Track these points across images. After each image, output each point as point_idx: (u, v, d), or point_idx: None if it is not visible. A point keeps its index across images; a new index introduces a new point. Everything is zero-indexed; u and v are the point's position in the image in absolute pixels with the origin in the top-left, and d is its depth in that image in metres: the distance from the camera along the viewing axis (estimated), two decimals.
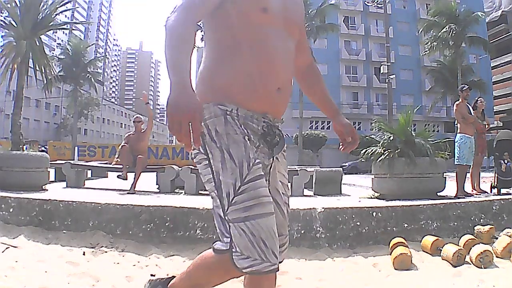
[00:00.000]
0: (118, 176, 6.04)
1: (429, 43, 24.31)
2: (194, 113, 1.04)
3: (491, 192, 5.88)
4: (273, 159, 1.28)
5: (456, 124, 6.01)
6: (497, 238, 3.51)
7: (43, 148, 19.19)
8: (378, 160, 5.13)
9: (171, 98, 1.06)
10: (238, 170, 1.14)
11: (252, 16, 1.22)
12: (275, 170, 1.31)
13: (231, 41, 1.24)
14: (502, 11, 40.47)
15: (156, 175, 6.91)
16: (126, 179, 6.02)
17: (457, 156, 5.76)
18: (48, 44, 50.77)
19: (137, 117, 7.02)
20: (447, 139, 5.81)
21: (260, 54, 1.22)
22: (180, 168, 6.50)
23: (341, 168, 6.99)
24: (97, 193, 5.51)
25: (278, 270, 1.16)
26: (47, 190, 5.48)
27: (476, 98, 6.45)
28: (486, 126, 6.36)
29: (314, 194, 6.36)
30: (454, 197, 5.21)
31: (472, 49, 25.57)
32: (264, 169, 1.23)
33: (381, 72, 24.69)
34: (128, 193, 5.82)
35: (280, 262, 1.20)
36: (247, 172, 1.14)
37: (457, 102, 5.98)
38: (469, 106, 5.98)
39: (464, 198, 5.07)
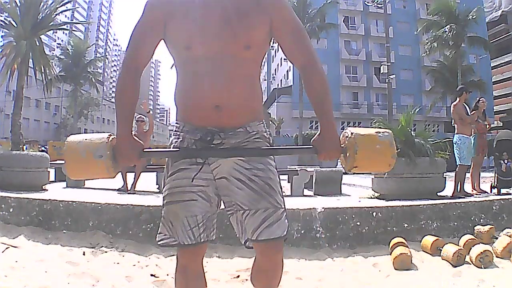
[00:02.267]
0: (118, 190, 5.89)
1: (429, 43, 24.28)
2: (130, 158, 1.40)
3: (491, 192, 5.87)
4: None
5: (453, 124, 5.97)
6: (497, 238, 3.50)
7: (43, 148, 19.17)
8: None
9: (115, 146, 1.39)
10: (166, 170, 1.48)
11: (180, 53, 1.43)
12: (226, 163, 1.41)
13: (178, 71, 1.47)
14: (502, 11, 40.47)
15: (156, 175, 6.91)
16: (127, 191, 5.93)
17: (458, 157, 5.72)
18: (48, 44, 50.72)
19: (140, 117, 6.92)
20: (447, 139, 5.79)
21: (193, 80, 1.40)
22: None
23: (341, 168, 6.98)
24: (97, 193, 5.51)
25: (179, 246, 1.39)
26: (47, 190, 5.48)
27: (478, 98, 6.40)
28: (487, 126, 6.35)
29: (314, 194, 6.36)
30: (450, 197, 5.20)
31: (472, 49, 25.54)
32: (193, 163, 1.41)
33: (381, 72, 24.69)
34: (128, 193, 5.81)
35: (272, 239, 1.35)
36: (171, 170, 1.44)
37: (454, 103, 5.92)
38: (466, 107, 5.94)
39: (464, 198, 5.07)
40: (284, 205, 1.44)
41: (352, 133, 1.39)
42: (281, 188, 1.47)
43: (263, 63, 1.58)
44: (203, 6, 1.38)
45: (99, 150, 1.34)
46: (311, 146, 1.42)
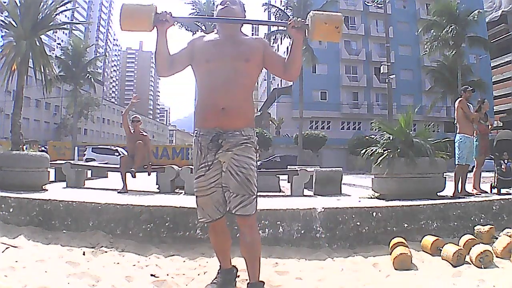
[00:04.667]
0: (118, 192, 5.86)
1: (429, 43, 24.28)
2: (166, 16, 2.12)
3: (491, 192, 5.87)
4: (216, 152, 2.15)
5: (455, 123, 5.97)
6: (497, 238, 3.51)
7: (43, 148, 19.16)
8: (378, 160, 5.12)
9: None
10: (194, 172, 2.24)
11: (202, 65, 2.18)
12: (227, 155, 2.15)
13: (198, 84, 2.22)
14: (502, 11, 40.51)
15: (156, 175, 6.90)
16: (127, 192, 5.90)
17: (458, 156, 5.73)
18: (48, 44, 50.69)
19: (135, 116, 6.85)
20: (447, 139, 5.78)
21: (205, 89, 2.18)
22: (180, 168, 6.49)
23: (341, 168, 6.98)
24: (97, 193, 5.51)
25: (212, 221, 2.26)
26: (47, 190, 5.47)
27: (482, 99, 6.36)
28: (489, 126, 6.35)
29: (314, 194, 6.36)
30: (451, 197, 5.20)
31: (472, 49, 25.55)
32: (208, 162, 2.18)
33: (381, 72, 24.69)
34: (131, 171, 6.28)
35: (244, 215, 2.16)
36: (196, 175, 2.23)
37: (460, 99, 5.88)
38: (470, 106, 5.95)
39: (464, 198, 5.07)
40: (257, 193, 2.20)
41: (309, 11, 2.13)
42: (256, 181, 2.20)
43: (257, 83, 2.09)
44: (220, 36, 2.22)
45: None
46: (286, 23, 2.14)
